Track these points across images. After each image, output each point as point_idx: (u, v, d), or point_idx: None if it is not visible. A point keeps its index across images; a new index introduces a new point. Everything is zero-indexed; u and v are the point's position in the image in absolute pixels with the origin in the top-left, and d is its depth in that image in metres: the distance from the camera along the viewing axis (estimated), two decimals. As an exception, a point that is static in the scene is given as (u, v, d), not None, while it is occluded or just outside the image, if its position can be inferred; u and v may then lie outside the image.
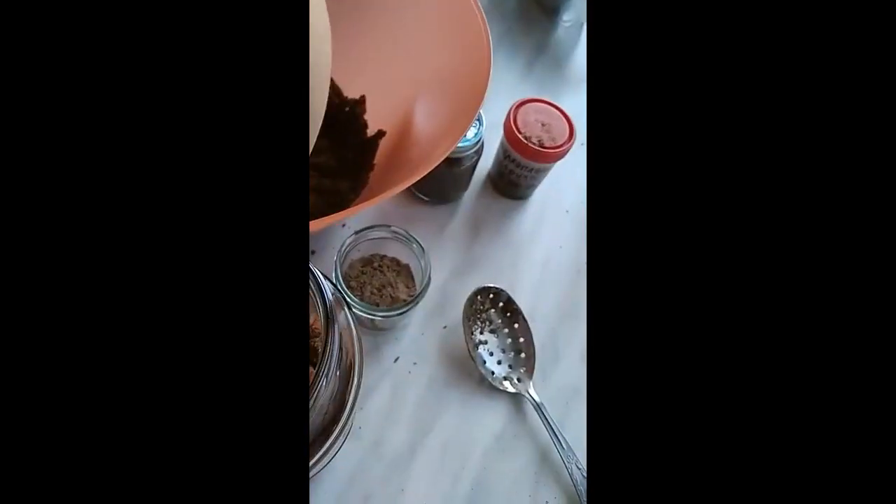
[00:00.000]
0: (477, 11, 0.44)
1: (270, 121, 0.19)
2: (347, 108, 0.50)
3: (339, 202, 0.46)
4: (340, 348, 0.32)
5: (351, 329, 0.35)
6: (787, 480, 0.20)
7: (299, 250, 0.19)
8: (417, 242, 0.43)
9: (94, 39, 0.18)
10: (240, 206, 0.19)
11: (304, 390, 0.19)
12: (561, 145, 0.48)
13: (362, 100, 0.50)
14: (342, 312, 0.35)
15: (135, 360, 0.18)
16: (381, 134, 0.49)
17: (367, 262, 0.45)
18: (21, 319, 0.17)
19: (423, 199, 0.53)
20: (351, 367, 0.34)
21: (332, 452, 0.34)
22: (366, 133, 0.50)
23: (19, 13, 0.17)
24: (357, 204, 0.41)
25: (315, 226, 0.32)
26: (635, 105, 0.22)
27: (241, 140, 0.19)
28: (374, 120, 0.51)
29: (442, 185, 0.51)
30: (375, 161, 0.49)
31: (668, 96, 0.21)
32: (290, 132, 0.19)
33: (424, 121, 0.46)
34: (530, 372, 0.45)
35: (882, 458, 0.19)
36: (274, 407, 0.18)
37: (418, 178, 0.36)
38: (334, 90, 0.50)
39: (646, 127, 0.22)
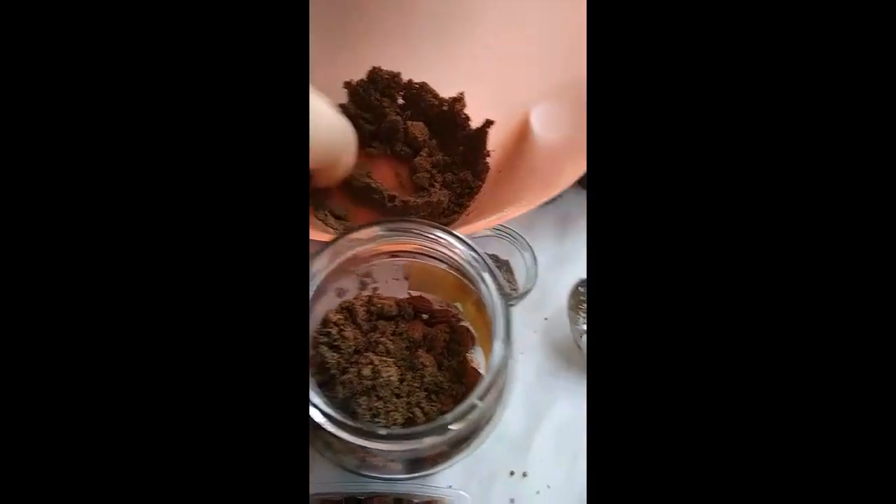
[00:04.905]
0: None
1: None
2: (445, 107, 0.52)
3: (468, 192, 0.51)
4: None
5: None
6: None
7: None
8: (523, 239, 0.45)
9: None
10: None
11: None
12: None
13: (460, 96, 0.52)
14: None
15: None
16: (488, 123, 0.51)
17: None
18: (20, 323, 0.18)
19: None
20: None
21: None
22: (469, 126, 0.52)
23: (20, 12, 0.18)
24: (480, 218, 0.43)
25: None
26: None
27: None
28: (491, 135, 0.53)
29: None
30: (490, 149, 0.52)
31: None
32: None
33: (544, 132, 0.48)
34: (633, 359, 0.47)
35: (882, 458, 0.20)
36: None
37: (544, 198, 0.38)
38: (427, 91, 0.52)
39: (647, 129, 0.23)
